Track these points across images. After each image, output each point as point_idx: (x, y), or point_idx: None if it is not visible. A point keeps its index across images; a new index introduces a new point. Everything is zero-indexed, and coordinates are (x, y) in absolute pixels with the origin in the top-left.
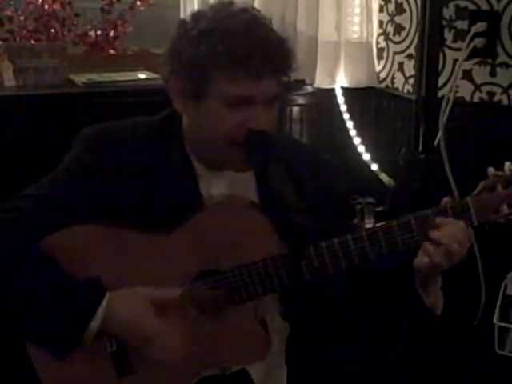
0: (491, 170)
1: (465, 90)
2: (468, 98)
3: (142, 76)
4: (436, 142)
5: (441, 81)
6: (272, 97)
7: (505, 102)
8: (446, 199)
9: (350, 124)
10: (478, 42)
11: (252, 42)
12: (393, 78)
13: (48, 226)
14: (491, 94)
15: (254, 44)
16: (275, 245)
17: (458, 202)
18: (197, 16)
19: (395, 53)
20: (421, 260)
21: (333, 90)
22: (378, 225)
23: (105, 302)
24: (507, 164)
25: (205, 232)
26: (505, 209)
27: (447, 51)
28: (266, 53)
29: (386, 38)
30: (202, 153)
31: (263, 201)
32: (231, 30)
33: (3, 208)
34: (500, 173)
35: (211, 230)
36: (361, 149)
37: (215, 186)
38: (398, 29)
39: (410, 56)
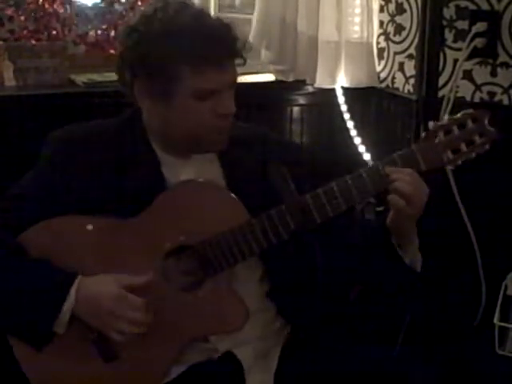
0: (431, 123)
1: (465, 90)
2: (468, 98)
3: None
4: None
5: (441, 81)
6: (235, 80)
7: (505, 102)
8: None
9: (350, 124)
10: (479, 42)
11: (207, 34)
12: (393, 78)
13: (23, 223)
14: (492, 94)
15: (209, 35)
16: (241, 216)
17: (404, 151)
18: (146, 20)
19: (396, 53)
20: (390, 216)
21: (333, 90)
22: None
23: (76, 282)
24: (446, 117)
25: (170, 209)
26: (449, 154)
27: (448, 51)
28: (222, 40)
29: (387, 38)
30: (170, 144)
31: (231, 188)
32: (185, 27)
33: None
34: (440, 123)
35: (176, 206)
36: (361, 149)
37: (182, 176)
38: (399, 29)
39: (410, 56)
